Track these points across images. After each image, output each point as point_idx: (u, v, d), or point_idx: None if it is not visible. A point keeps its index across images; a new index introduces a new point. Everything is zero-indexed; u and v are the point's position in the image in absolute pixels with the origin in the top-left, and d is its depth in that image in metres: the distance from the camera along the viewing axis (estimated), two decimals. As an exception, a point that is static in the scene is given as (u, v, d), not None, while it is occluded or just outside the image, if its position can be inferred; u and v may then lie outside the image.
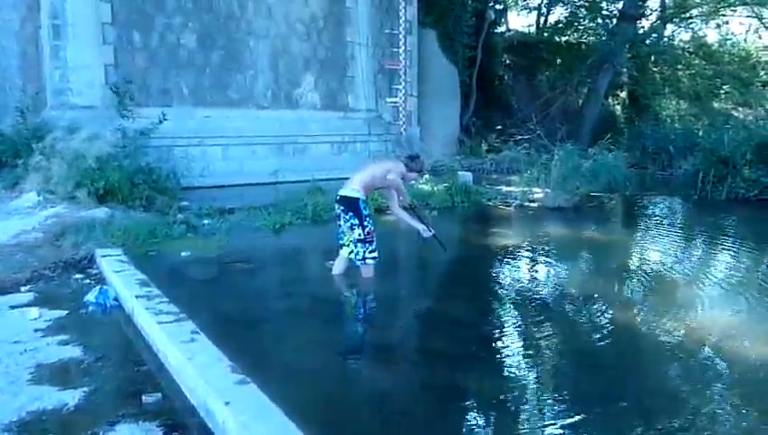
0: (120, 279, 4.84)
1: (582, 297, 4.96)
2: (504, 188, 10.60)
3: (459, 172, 10.62)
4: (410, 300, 5.15)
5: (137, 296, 4.38)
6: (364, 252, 5.16)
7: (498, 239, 7.31)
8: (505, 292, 5.23)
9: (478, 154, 14.50)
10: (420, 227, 5.44)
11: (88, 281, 5.20)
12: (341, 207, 5.19)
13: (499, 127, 16.79)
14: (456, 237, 6.03)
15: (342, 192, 5.21)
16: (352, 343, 4.16)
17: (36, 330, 4.10)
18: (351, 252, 5.24)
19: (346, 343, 4.14)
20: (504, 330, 4.31)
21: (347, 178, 5.29)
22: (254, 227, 7.32)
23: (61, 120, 8.59)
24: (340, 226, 5.28)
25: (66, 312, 4.46)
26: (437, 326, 4.50)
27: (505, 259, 6.25)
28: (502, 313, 4.74)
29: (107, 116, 8.78)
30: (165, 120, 8.43)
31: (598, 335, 4.16)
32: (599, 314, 4.55)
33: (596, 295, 4.96)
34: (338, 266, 5.39)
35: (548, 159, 9.82)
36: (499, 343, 4.04)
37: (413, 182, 6.66)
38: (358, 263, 5.21)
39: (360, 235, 5.14)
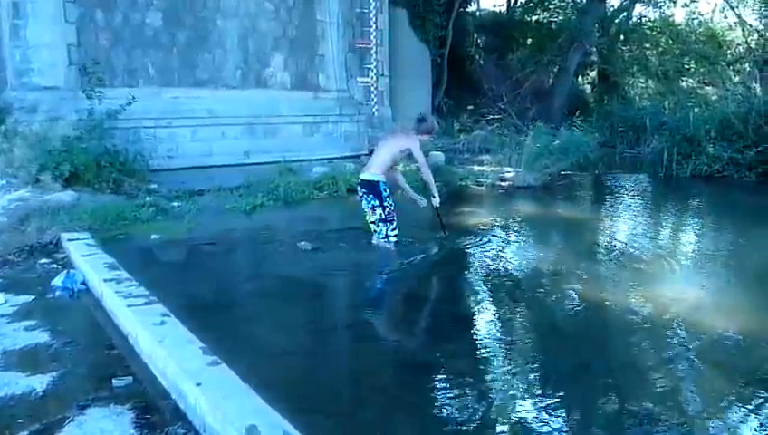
0: (88, 263, 4.77)
1: (552, 274, 5.03)
2: (476, 168, 10.66)
3: (431, 153, 10.62)
4: (382, 280, 5.16)
5: (105, 280, 4.32)
6: (386, 230, 5.53)
7: (469, 218, 7.36)
8: (476, 270, 5.29)
9: (450, 134, 14.46)
10: (416, 197, 5.86)
11: (54, 265, 5.08)
12: (363, 190, 5.56)
13: (471, 107, 16.77)
14: (428, 218, 6.14)
15: (364, 176, 5.57)
16: (325, 324, 4.17)
17: (2, 316, 4.01)
18: (375, 231, 5.57)
19: (318, 324, 4.14)
20: (476, 307, 4.38)
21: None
22: (225, 209, 7.29)
23: (23, 101, 8.36)
24: (363, 206, 5.63)
25: (33, 297, 4.38)
26: (410, 304, 4.56)
27: (476, 238, 6.31)
28: (474, 290, 4.80)
29: (70, 97, 8.56)
30: (133, 100, 8.25)
31: (567, 312, 4.25)
32: (568, 290, 4.62)
33: (565, 272, 5.03)
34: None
35: (519, 139, 9.87)
36: (471, 321, 4.10)
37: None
38: (381, 241, 5.53)
39: (381, 214, 5.49)
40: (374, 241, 5.60)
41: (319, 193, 8.37)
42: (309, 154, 10.34)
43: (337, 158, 10.57)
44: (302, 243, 5.78)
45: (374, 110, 12.20)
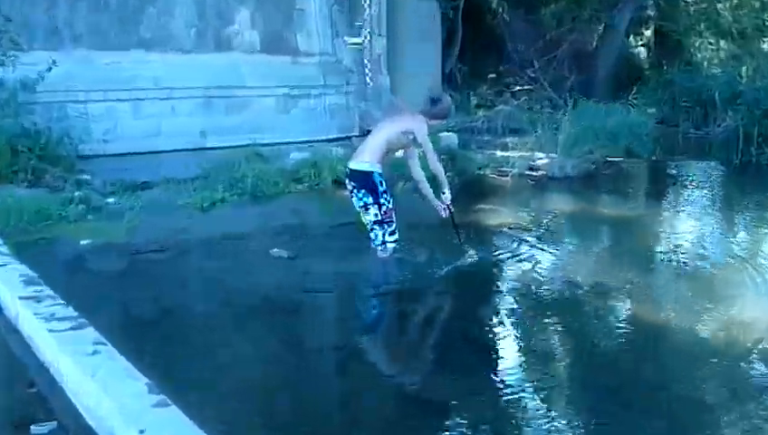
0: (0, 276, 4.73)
1: (596, 290, 5.04)
2: (499, 153, 10.64)
3: (441, 133, 10.61)
4: (378, 299, 5.19)
5: (22, 298, 4.25)
6: (383, 235, 5.53)
7: (490, 218, 7.36)
8: (499, 285, 5.31)
9: (466, 110, 14.40)
10: (436, 203, 5.84)
11: (-45, 279, 5.07)
12: (353, 184, 5.56)
13: (492, 75, 16.74)
14: (437, 216, 5.98)
15: (353, 165, 5.56)
16: (304, 355, 4.18)
17: None
18: (370, 236, 5.59)
19: (295, 355, 4.15)
20: (498, 333, 4.38)
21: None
22: (176, 205, 7.34)
23: None
24: (355, 204, 5.64)
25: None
26: (414, 330, 4.61)
27: (498, 243, 6.33)
28: (495, 311, 4.79)
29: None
30: (54, 66, 8.20)
31: (615, 339, 4.28)
32: (616, 311, 4.68)
33: (613, 287, 5.07)
34: None
35: (554, 116, 9.95)
36: (491, 351, 4.11)
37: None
38: (377, 248, 5.55)
39: (376, 215, 5.49)
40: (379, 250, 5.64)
41: (297, 185, 8.41)
42: (284, 135, 10.35)
43: (320, 140, 10.58)
44: (276, 250, 5.80)
45: (368, 79, 12.14)
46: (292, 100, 11.30)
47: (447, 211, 5.90)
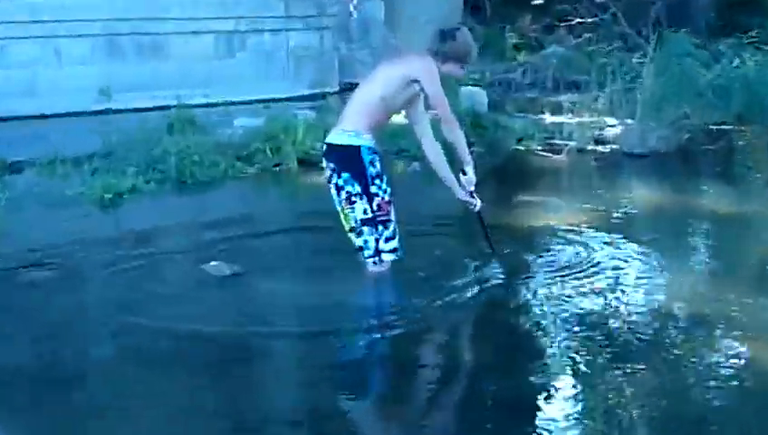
0: None
1: (694, 320, 5.07)
2: (548, 118, 10.66)
3: (462, 88, 10.59)
4: (370, 340, 5.10)
5: None
6: (376, 241, 5.51)
7: (538, 215, 7.35)
8: (552, 315, 5.23)
9: (499, 54, 14.47)
10: (460, 191, 5.83)
11: None
12: (331, 165, 5.54)
13: (538, 1, 16.83)
14: (459, 210, 6.12)
15: (332, 137, 5.56)
16: (252, 427, 4.05)
17: None
18: (357, 246, 5.59)
19: (239, 425, 4.01)
20: (553, 389, 4.31)
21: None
22: (64, 197, 7.38)
23: None
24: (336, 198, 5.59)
25: None
26: (426, 383, 4.53)
27: (551, 253, 6.33)
28: (548, 354, 4.78)
29: None
30: None
31: (719, 390, 4.24)
32: (723, 349, 4.65)
33: (718, 316, 5.04)
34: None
35: (631, 63, 9.89)
36: (544, 415, 4.05)
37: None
38: (368, 262, 5.57)
39: (365, 211, 5.46)
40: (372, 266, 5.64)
41: (245, 167, 8.57)
42: (226, 93, 10.48)
43: (280, 99, 10.71)
44: (213, 264, 5.80)
45: (351, 7, 12.21)
46: (238, 38, 11.43)
47: (473, 201, 5.91)
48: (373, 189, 5.43)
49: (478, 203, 5.91)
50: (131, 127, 8.70)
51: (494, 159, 8.39)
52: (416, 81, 5.49)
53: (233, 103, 10.11)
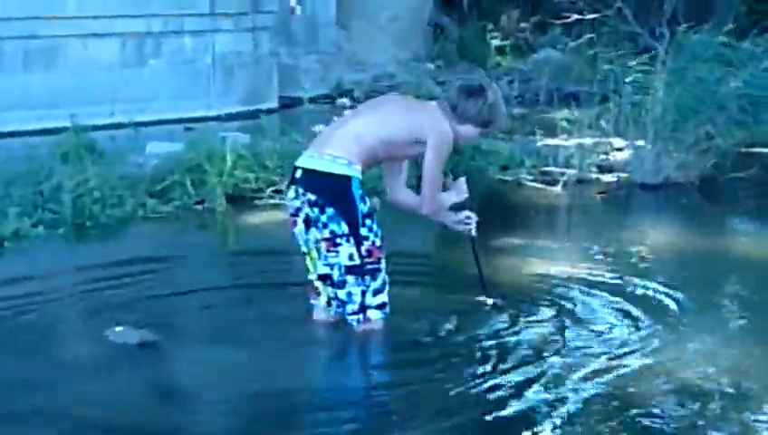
0: None
1: (734, 405, 4.49)
2: (541, 141, 10.47)
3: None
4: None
5: None
6: (362, 294, 5.22)
7: (528, 263, 6.98)
8: (559, 392, 4.61)
9: (479, 59, 14.29)
10: (453, 218, 5.71)
11: None
12: (306, 197, 5.19)
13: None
14: (432, 264, 6.18)
15: (307, 161, 5.22)
16: None
17: None
18: (334, 298, 5.35)
19: None
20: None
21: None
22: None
23: None
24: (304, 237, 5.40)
25: None
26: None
27: (546, 310, 5.84)
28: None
29: None
30: None
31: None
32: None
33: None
34: (318, 314, 5.52)
35: (642, 69, 9.61)
36: None
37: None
38: (350, 319, 5.29)
39: (351, 257, 5.16)
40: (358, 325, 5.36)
41: (160, 205, 8.08)
42: (136, 111, 10.13)
43: (205, 118, 10.85)
44: (118, 329, 5.26)
45: (294, 3, 12.05)
46: (151, 42, 11.35)
47: (468, 223, 5.73)
48: (363, 231, 5.16)
49: (474, 222, 5.67)
50: (14, 156, 8.52)
51: (472, 192, 7.50)
52: (421, 142, 5.23)
53: (144, 124, 9.72)
